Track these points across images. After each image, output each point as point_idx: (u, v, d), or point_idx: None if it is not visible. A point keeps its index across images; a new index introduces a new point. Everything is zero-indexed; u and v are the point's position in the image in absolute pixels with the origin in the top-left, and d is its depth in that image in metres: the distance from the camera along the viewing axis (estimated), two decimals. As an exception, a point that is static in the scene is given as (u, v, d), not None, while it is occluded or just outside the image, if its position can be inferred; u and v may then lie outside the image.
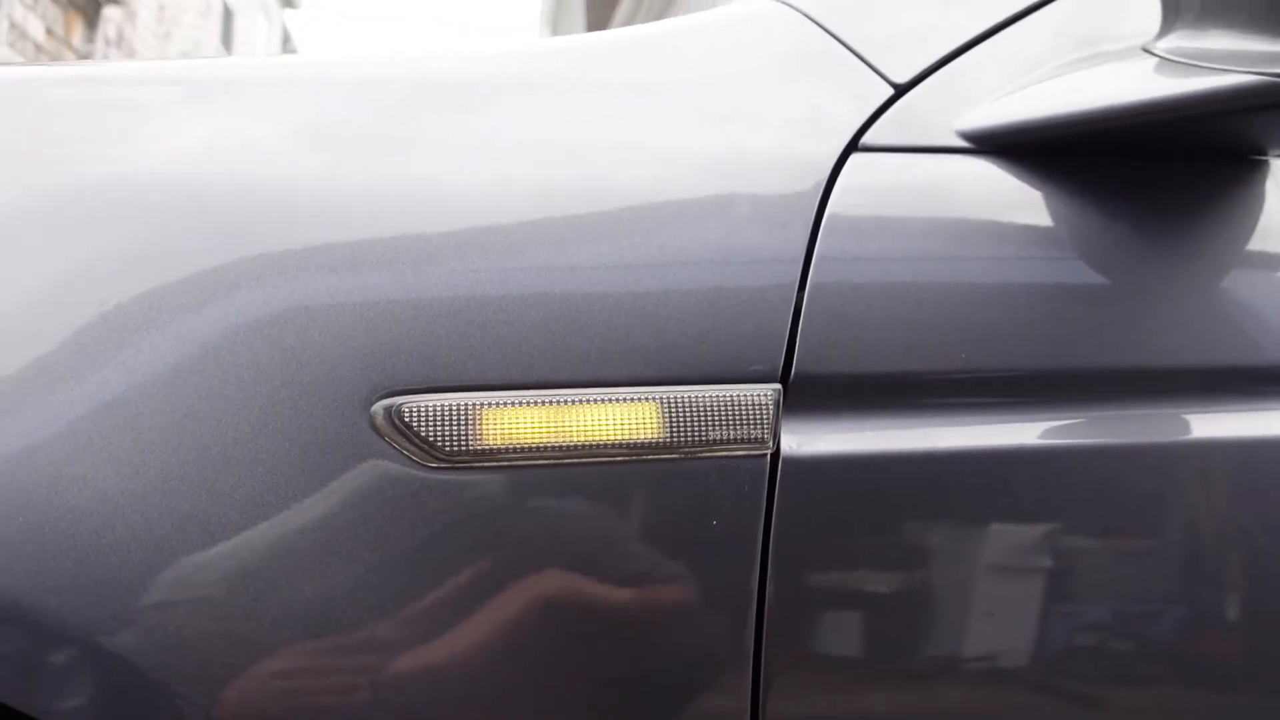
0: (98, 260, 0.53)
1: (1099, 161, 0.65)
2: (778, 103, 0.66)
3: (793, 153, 0.63)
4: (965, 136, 0.65)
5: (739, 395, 0.57)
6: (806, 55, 0.68)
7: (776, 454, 0.57)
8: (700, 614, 0.57)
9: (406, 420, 0.53)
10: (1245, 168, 0.68)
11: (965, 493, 0.60)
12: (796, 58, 0.68)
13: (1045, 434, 0.61)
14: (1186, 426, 0.64)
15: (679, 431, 0.56)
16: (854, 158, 0.63)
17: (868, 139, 0.64)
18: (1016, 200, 0.64)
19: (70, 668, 0.49)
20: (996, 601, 0.60)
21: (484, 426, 0.53)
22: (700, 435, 0.56)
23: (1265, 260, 0.68)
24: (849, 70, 0.67)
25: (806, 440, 0.58)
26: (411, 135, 0.61)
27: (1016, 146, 0.65)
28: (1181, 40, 0.60)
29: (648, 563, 0.56)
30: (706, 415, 0.56)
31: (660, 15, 4.40)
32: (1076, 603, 0.62)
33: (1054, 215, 0.64)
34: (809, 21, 0.70)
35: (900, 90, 0.65)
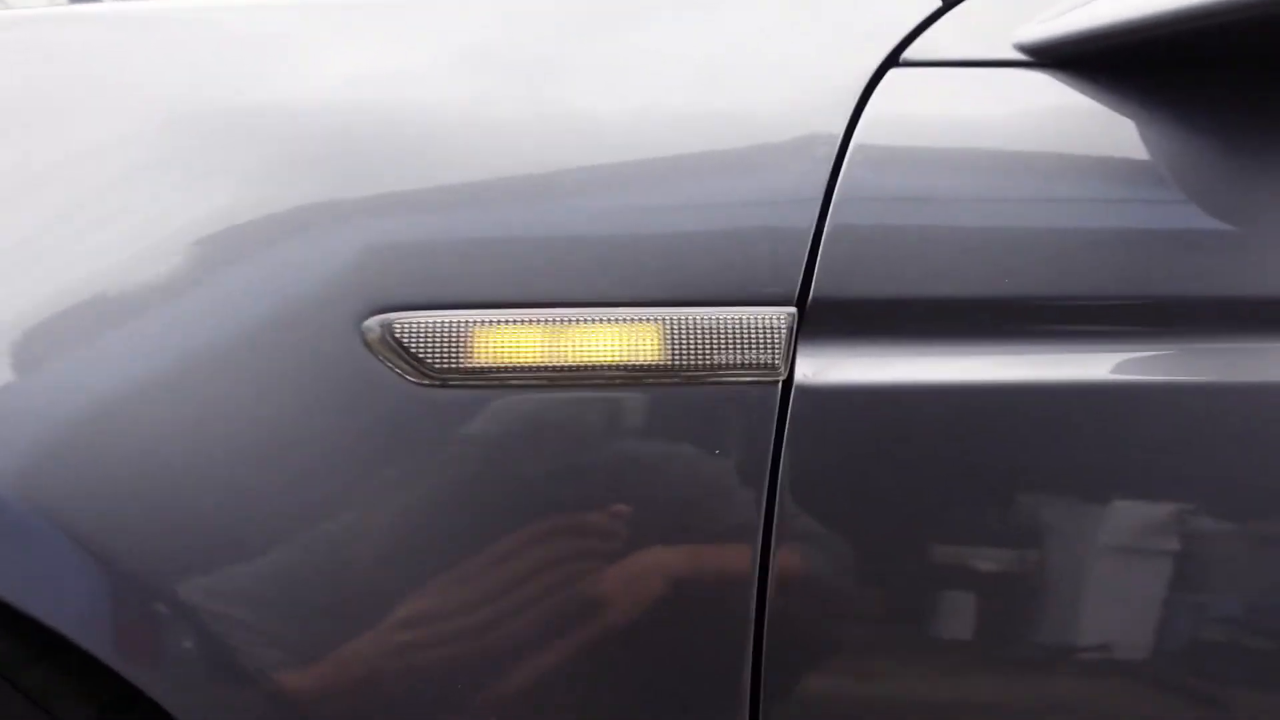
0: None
1: (1168, 77, 0.58)
2: (812, 11, 0.62)
3: (827, 66, 0.58)
4: (1024, 49, 0.59)
5: (749, 318, 0.53)
6: None
7: (789, 381, 0.53)
8: (700, 543, 0.54)
9: (398, 337, 0.52)
10: None
11: (984, 428, 0.54)
12: None
13: (1098, 365, 0.55)
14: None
15: (681, 354, 0.53)
16: (891, 73, 0.58)
17: (910, 53, 0.59)
18: (1074, 117, 0.58)
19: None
20: (1006, 537, 0.55)
21: (475, 345, 0.52)
22: (704, 359, 0.53)
23: None
24: None
25: (823, 368, 0.54)
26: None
27: (1078, 58, 0.58)
28: None
29: (642, 490, 0.53)
30: (712, 338, 0.53)
31: None
32: (1081, 530, 0.55)
33: (1111, 135, 0.58)
34: None
35: (951, 1, 0.60)
